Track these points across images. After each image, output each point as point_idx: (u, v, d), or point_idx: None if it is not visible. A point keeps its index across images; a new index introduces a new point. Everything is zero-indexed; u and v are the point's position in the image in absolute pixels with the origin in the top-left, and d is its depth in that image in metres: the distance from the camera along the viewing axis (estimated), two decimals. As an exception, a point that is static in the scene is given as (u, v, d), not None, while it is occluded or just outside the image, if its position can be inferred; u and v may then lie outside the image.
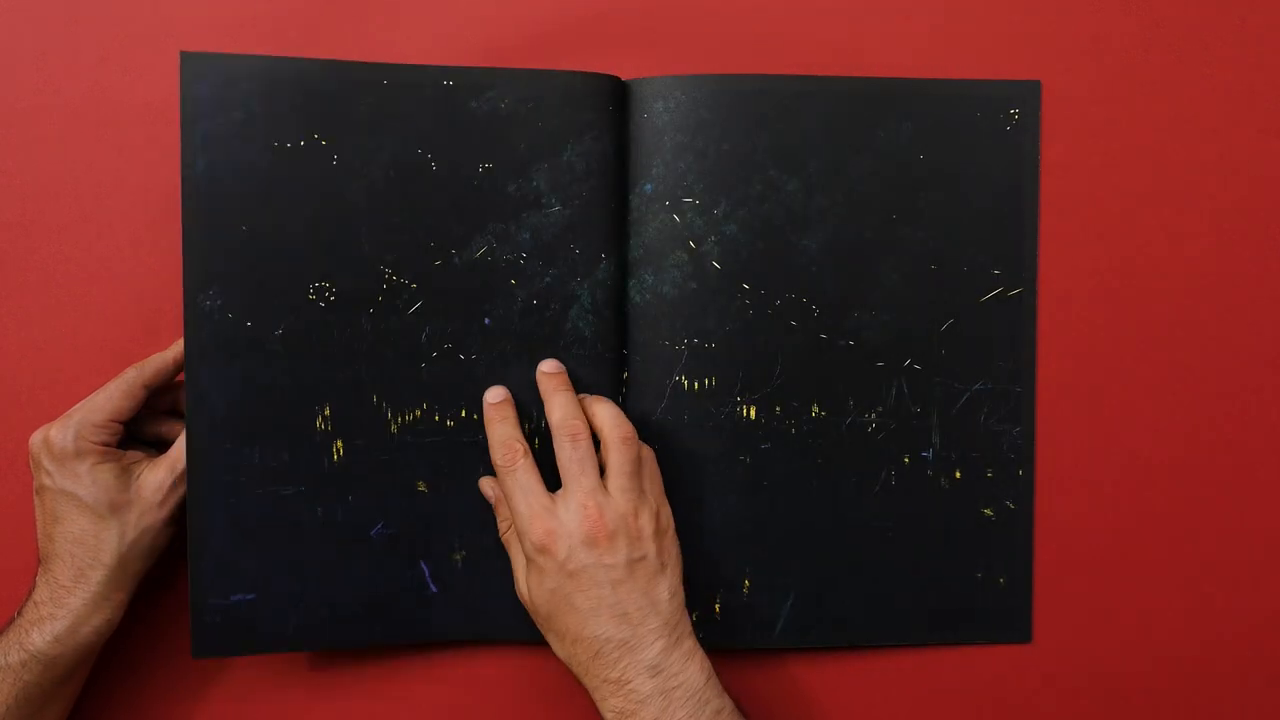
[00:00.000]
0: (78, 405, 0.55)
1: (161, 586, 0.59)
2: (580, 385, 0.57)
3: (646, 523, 0.52)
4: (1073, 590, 0.60)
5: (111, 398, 0.54)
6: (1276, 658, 0.61)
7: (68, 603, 0.52)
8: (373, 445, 0.57)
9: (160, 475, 0.54)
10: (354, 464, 0.57)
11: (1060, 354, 0.60)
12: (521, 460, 0.53)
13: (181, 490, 0.55)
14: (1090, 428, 0.61)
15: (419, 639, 0.58)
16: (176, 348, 0.57)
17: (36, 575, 0.54)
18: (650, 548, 0.51)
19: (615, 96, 0.57)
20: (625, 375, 0.58)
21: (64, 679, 0.53)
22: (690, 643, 0.51)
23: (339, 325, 0.56)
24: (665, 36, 0.60)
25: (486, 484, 0.57)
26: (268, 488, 0.56)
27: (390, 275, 0.57)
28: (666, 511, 0.54)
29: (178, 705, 0.60)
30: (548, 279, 0.57)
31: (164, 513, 0.54)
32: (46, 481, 0.53)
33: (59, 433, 0.53)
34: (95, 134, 0.60)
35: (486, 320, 0.58)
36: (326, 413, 0.56)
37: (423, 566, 0.58)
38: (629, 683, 0.50)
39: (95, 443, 0.53)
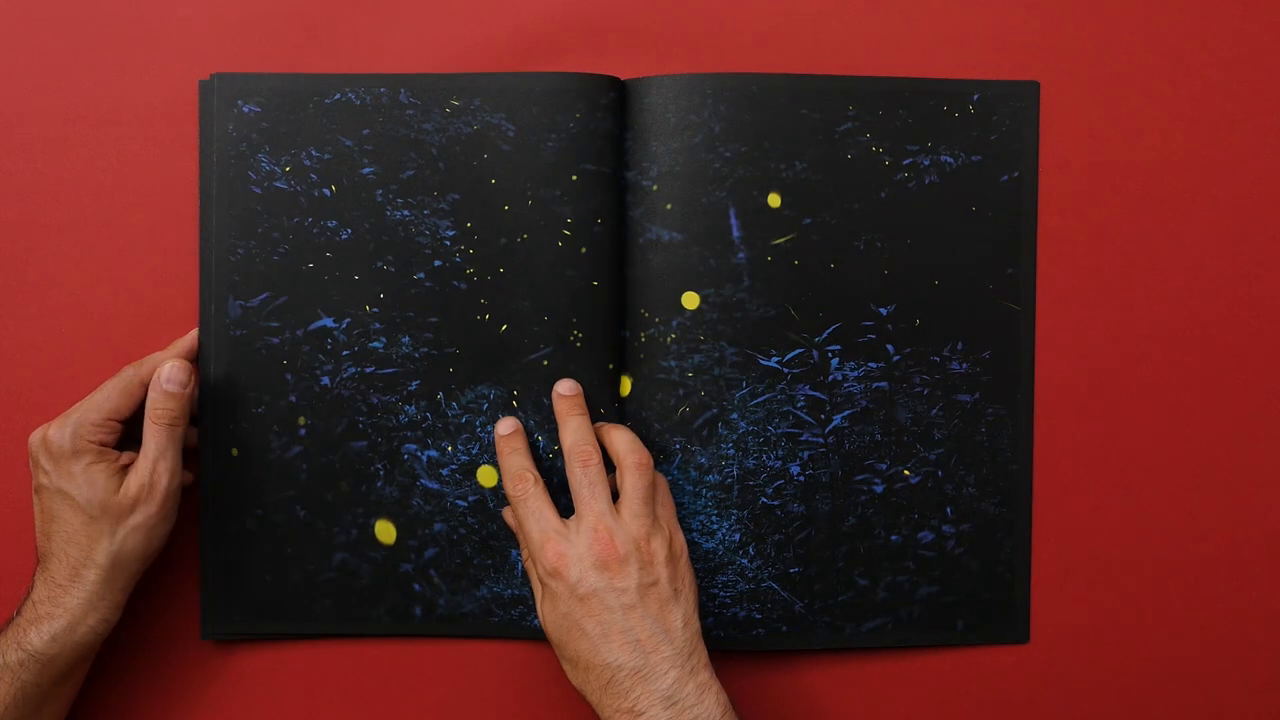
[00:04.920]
0: (76, 405, 0.55)
1: (158, 576, 0.59)
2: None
3: (659, 548, 0.51)
4: (1070, 591, 0.60)
5: (109, 397, 0.54)
6: (1276, 658, 0.60)
7: (64, 602, 0.52)
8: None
9: (139, 473, 0.54)
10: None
11: (1059, 354, 0.60)
12: (532, 488, 0.53)
13: (164, 483, 0.54)
14: (1089, 428, 0.60)
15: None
16: (175, 347, 0.58)
17: (35, 574, 0.54)
18: (663, 573, 0.51)
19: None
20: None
21: (62, 678, 0.53)
22: (706, 675, 0.50)
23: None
24: (665, 36, 0.60)
25: (507, 514, 0.58)
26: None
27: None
28: (680, 539, 0.53)
29: (178, 699, 0.60)
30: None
31: (153, 509, 0.53)
32: (44, 480, 0.54)
33: (57, 432, 0.53)
34: (96, 134, 0.60)
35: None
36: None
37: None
38: (643, 714, 0.49)
39: (92, 442, 0.53)
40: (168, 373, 0.55)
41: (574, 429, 0.54)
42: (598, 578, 0.50)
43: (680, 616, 0.51)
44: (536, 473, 0.54)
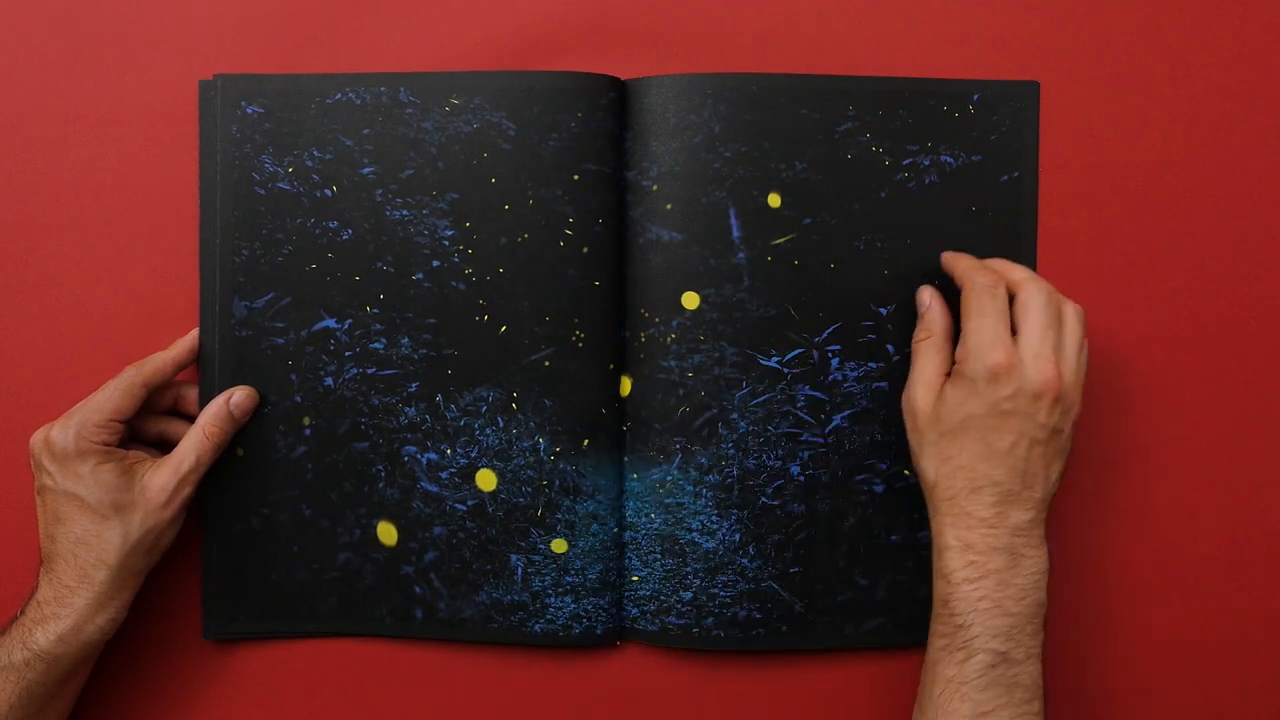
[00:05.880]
0: (78, 405, 0.55)
1: (160, 576, 0.59)
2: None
3: (1078, 404, 0.52)
4: (1070, 591, 0.61)
5: (111, 397, 0.54)
6: (1276, 658, 0.61)
7: (71, 602, 0.52)
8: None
9: (165, 476, 0.54)
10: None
11: (1059, 354, 0.60)
12: (1002, 289, 0.53)
13: (186, 491, 0.55)
14: (1089, 427, 0.60)
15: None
16: (176, 347, 0.58)
17: (39, 574, 0.54)
18: (1068, 428, 0.52)
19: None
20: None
21: (67, 677, 0.53)
22: (1044, 531, 0.52)
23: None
24: (665, 36, 0.60)
25: (926, 292, 0.57)
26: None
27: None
28: (1079, 406, 0.53)
29: (179, 699, 0.60)
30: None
31: (169, 513, 0.54)
32: (48, 482, 0.54)
33: (60, 433, 0.53)
34: (96, 134, 0.60)
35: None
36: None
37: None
38: (994, 527, 0.51)
39: (96, 442, 0.53)
40: (239, 399, 0.57)
41: (1023, 270, 0.54)
42: (1030, 405, 0.51)
43: (1058, 472, 0.53)
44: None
